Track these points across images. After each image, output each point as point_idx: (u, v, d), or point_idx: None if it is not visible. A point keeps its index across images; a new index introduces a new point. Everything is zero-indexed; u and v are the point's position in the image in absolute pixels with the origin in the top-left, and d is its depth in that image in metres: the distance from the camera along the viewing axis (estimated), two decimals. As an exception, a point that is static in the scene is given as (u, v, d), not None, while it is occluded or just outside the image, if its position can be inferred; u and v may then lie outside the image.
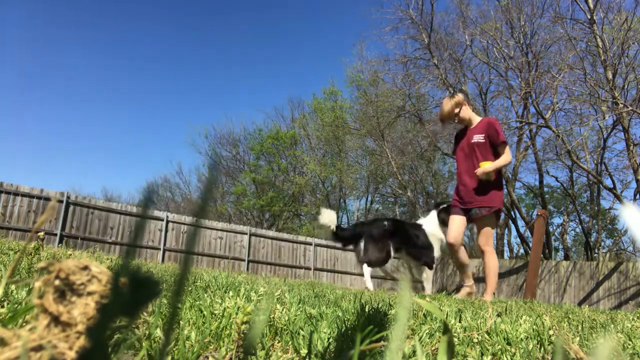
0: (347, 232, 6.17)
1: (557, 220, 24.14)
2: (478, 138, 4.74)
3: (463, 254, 4.88)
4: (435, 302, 2.38)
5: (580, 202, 21.55)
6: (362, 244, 5.97)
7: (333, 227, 5.89)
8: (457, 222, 4.86)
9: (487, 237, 4.72)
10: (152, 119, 51.30)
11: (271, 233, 15.26)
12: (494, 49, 17.40)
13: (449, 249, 4.96)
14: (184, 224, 13.20)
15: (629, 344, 1.20)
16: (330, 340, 0.88)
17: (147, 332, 0.72)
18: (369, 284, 5.68)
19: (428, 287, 6.19)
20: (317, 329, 0.92)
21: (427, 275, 6.17)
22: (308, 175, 25.61)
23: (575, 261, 14.63)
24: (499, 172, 4.80)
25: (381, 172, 23.07)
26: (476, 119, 4.88)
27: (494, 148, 4.72)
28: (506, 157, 4.67)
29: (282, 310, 1.04)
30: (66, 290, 0.36)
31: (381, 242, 5.90)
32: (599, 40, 13.76)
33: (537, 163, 19.05)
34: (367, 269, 5.80)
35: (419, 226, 6.29)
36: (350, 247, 6.19)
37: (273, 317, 1.00)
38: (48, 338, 0.34)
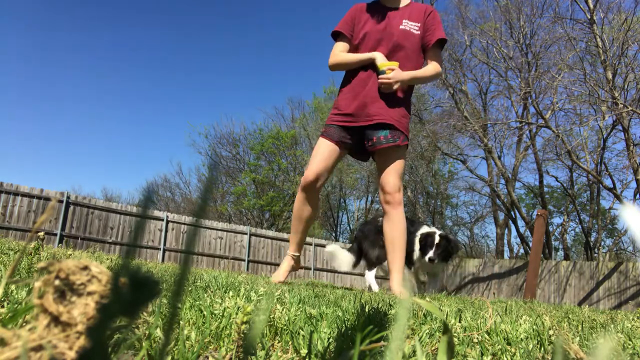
0: (354, 245, 5.85)
1: (557, 220, 24.15)
2: (411, 26, 3.15)
3: (315, 205, 3.27)
4: (435, 302, 2.38)
5: (580, 202, 21.56)
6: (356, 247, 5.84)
7: (349, 258, 5.72)
8: (328, 150, 3.15)
9: (400, 180, 3.16)
10: (152, 118, 51.29)
11: (271, 233, 15.26)
12: (494, 49, 17.41)
13: (304, 190, 3.18)
14: (184, 224, 13.20)
15: (629, 344, 1.20)
16: (330, 340, 0.88)
17: (147, 332, 0.72)
18: (374, 286, 5.32)
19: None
20: (317, 329, 0.92)
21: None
22: (308, 175, 25.52)
23: (575, 261, 14.63)
24: (410, 90, 3.25)
25: (381, 172, 23.02)
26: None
27: (422, 49, 3.21)
28: (436, 67, 3.17)
29: (282, 310, 1.04)
30: (66, 290, 0.36)
31: (375, 238, 5.70)
32: (598, 40, 13.76)
33: (537, 163, 19.05)
34: (368, 273, 5.63)
35: (424, 226, 6.08)
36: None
37: (273, 317, 1.00)
38: (48, 338, 0.34)
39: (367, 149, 3.18)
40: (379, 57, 3.10)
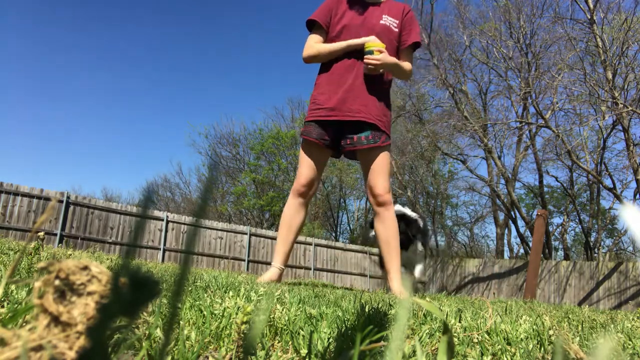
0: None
1: (557, 220, 24.14)
2: (390, 22, 3.11)
3: (306, 212, 3.16)
4: (435, 302, 2.38)
5: (580, 202, 21.56)
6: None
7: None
8: (314, 152, 3.09)
9: (389, 179, 3.11)
10: (152, 118, 51.28)
11: (271, 233, 15.25)
12: (494, 49, 17.42)
13: (297, 196, 3.09)
14: (184, 224, 13.20)
15: (629, 344, 1.20)
16: (330, 340, 0.88)
17: (147, 332, 0.72)
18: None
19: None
20: (317, 329, 0.92)
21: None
22: (308, 175, 25.51)
23: (575, 261, 14.64)
24: (389, 86, 3.22)
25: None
26: None
27: (397, 48, 3.16)
28: (410, 66, 3.16)
29: (282, 310, 1.04)
30: (66, 290, 0.36)
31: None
32: (598, 40, 13.76)
33: (537, 163, 19.05)
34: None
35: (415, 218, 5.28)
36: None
37: (273, 317, 1.00)
38: (48, 338, 0.34)
39: (344, 147, 3.07)
40: (364, 39, 2.98)
